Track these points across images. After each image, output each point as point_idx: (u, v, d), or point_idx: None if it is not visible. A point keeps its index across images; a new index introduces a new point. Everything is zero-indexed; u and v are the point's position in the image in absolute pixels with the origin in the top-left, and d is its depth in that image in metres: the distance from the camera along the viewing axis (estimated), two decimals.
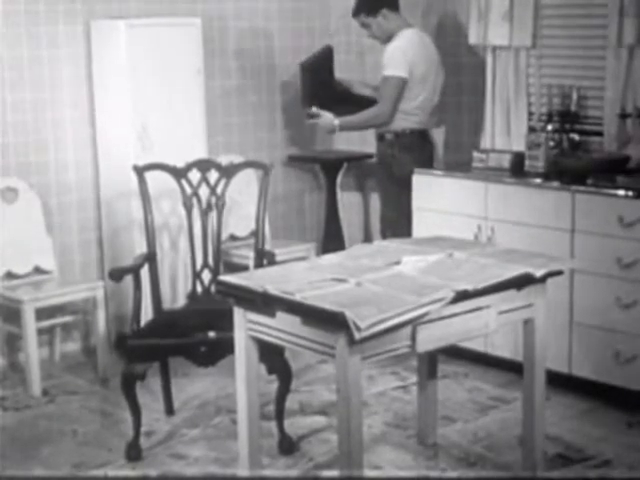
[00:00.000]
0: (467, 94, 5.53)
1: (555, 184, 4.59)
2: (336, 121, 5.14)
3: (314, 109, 5.23)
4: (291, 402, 4.29)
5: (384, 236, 5.13)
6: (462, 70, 5.52)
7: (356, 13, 5.13)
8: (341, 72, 6.04)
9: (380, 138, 5.17)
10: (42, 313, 4.92)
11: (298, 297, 3.16)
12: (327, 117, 5.18)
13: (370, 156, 5.94)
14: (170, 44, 5.17)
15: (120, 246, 5.24)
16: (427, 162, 5.17)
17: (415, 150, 5.12)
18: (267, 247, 4.58)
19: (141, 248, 4.68)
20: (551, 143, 4.90)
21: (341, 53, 6.12)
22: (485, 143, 5.33)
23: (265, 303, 3.27)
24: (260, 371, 3.65)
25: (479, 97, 5.40)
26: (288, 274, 3.47)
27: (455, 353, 4.80)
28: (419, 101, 5.08)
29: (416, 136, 5.12)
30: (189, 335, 4.05)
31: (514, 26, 5.12)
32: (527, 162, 4.86)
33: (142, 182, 4.35)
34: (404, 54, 4.98)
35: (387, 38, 5.07)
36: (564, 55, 5.13)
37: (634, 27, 4.66)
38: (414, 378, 4.48)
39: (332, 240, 5.93)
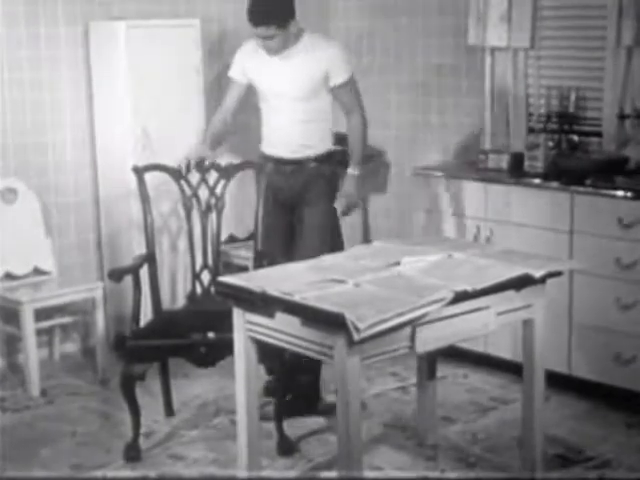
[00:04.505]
0: (466, 95, 5.53)
1: (554, 185, 4.60)
2: (354, 171, 4.51)
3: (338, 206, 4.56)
4: None
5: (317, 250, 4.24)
6: (461, 71, 5.52)
7: (266, 23, 4.28)
8: None
9: (318, 158, 4.49)
10: (41, 314, 4.92)
11: (297, 298, 3.16)
12: (345, 188, 4.52)
13: (370, 156, 5.95)
14: (169, 45, 5.17)
15: (119, 247, 5.24)
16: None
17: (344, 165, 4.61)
18: None
19: (140, 249, 4.67)
20: (550, 144, 4.90)
21: None
22: (484, 144, 5.33)
23: (264, 304, 3.28)
24: (259, 372, 3.66)
25: (478, 98, 5.41)
26: (287, 275, 3.47)
27: (454, 354, 4.80)
28: None
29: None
30: (188, 336, 4.05)
31: (512, 27, 5.13)
32: (526, 163, 4.87)
33: (141, 183, 4.35)
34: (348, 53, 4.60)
35: (285, 47, 4.37)
36: (563, 56, 5.13)
37: (633, 28, 4.66)
38: (413, 379, 4.48)
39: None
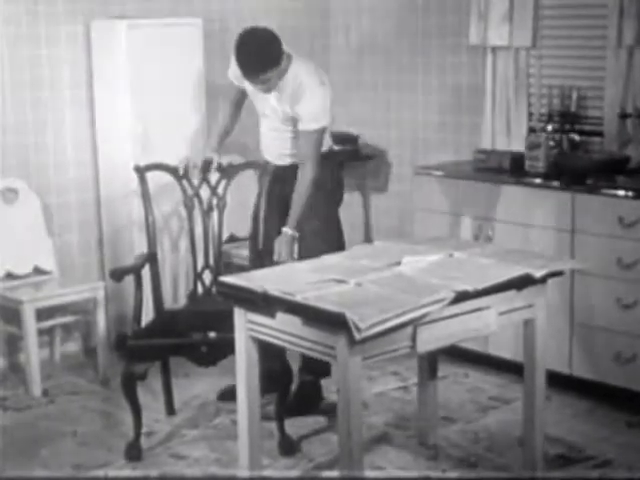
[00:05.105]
0: (467, 94, 5.53)
1: (555, 184, 4.60)
2: (289, 231, 4.30)
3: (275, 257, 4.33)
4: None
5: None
6: (462, 70, 5.52)
7: (262, 71, 4.20)
8: (340, 73, 6.04)
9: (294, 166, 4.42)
10: (42, 313, 4.92)
11: (298, 298, 3.16)
12: (276, 247, 4.32)
13: (370, 157, 5.95)
14: (171, 44, 5.17)
15: (120, 246, 5.24)
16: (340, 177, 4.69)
17: (342, 167, 4.72)
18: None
19: (141, 248, 4.68)
20: (551, 143, 4.90)
21: (341, 54, 6.13)
22: (485, 143, 5.33)
23: (266, 304, 3.28)
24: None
25: (479, 97, 5.41)
26: (288, 275, 3.48)
27: (455, 353, 4.80)
28: None
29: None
30: (190, 335, 4.06)
31: (514, 26, 5.13)
32: (527, 162, 4.86)
33: (143, 182, 4.35)
34: (329, 96, 4.35)
35: (278, 80, 4.31)
36: (564, 55, 5.13)
37: (634, 28, 4.67)
38: (414, 378, 4.47)
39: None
